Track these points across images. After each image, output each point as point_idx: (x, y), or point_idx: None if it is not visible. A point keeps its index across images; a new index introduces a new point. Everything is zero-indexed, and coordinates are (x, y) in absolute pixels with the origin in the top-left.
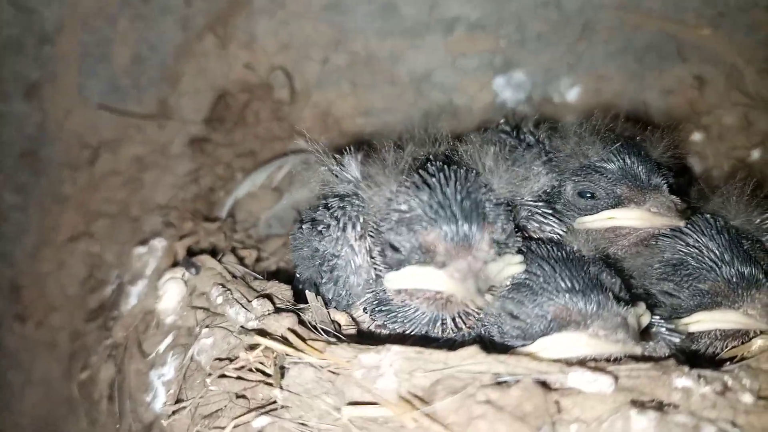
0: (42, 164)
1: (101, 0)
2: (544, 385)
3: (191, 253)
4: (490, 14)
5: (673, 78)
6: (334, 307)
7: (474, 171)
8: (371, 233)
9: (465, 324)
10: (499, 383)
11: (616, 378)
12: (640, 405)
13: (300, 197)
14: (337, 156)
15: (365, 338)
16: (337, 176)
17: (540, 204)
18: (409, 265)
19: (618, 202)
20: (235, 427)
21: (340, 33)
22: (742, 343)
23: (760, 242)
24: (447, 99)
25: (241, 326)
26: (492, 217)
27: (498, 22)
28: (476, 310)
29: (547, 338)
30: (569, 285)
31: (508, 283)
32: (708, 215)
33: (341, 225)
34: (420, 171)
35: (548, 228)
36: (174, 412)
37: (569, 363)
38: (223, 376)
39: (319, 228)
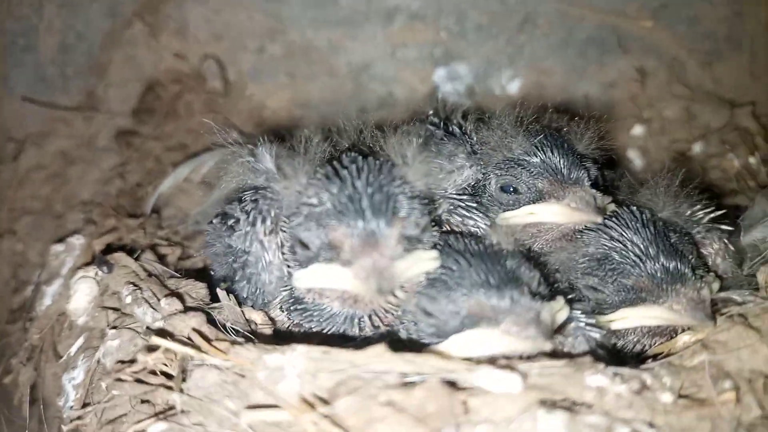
0: None
1: None
2: (453, 384)
3: (110, 250)
4: (430, 4)
5: (615, 71)
6: (251, 306)
7: (390, 163)
8: (283, 228)
9: (383, 322)
10: (405, 384)
11: (525, 376)
12: (550, 405)
13: (230, 192)
14: (251, 147)
15: (283, 338)
16: (250, 168)
17: (464, 197)
18: (317, 263)
19: (539, 197)
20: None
21: (276, 22)
22: (669, 339)
23: (689, 235)
24: (387, 91)
25: (147, 327)
26: (405, 211)
27: (438, 12)
28: (391, 308)
29: (458, 336)
30: (483, 279)
31: (423, 279)
32: (634, 208)
33: (251, 219)
34: (333, 162)
35: (471, 222)
36: (79, 417)
37: (479, 361)
38: (119, 380)
39: (230, 222)
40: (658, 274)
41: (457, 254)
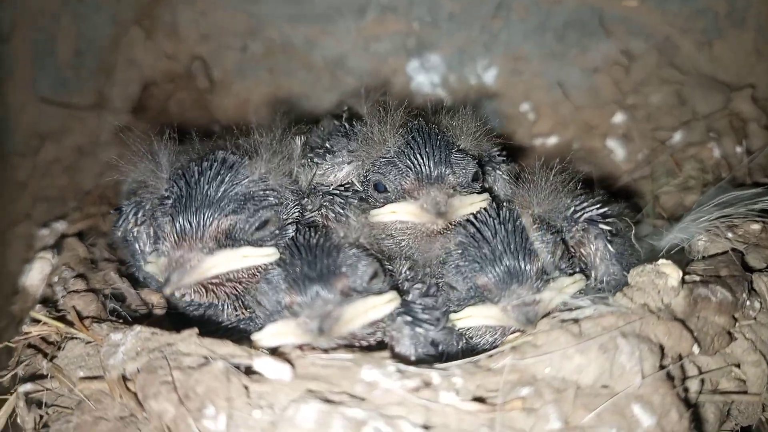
0: (2, 153)
1: (45, 1)
2: (247, 370)
3: (81, 234)
4: None
5: (597, 55)
6: (152, 287)
7: (240, 160)
8: (157, 216)
9: (244, 308)
10: (197, 366)
11: (294, 367)
12: (318, 395)
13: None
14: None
15: (177, 317)
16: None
17: (346, 193)
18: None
19: (403, 196)
20: (11, 393)
21: (256, 21)
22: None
23: (559, 233)
24: (361, 83)
25: (52, 301)
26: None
27: (410, 3)
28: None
29: (268, 327)
30: (301, 273)
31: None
32: (501, 205)
33: (128, 211)
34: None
35: (343, 217)
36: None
37: (265, 351)
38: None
39: (117, 215)
40: (500, 274)
41: (294, 247)
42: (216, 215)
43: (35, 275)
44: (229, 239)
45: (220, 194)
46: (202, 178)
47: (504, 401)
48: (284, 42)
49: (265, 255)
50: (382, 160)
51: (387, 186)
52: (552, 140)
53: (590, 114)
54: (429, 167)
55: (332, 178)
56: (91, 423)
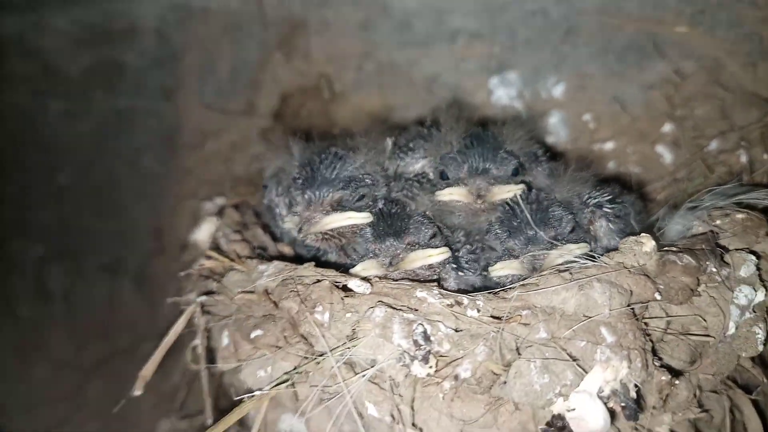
0: (175, 145)
1: (210, 29)
2: (344, 288)
3: (234, 207)
4: (486, 25)
5: (653, 73)
6: (285, 242)
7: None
8: (290, 191)
9: (346, 256)
10: (312, 283)
11: (372, 285)
12: (386, 304)
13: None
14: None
15: (299, 259)
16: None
17: (420, 181)
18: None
19: (458, 183)
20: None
21: (370, 46)
22: None
23: (573, 213)
24: (452, 96)
25: (219, 248)
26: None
27: (493, 31)
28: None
29: (360, 263)
30: (383, 230)
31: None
32: (529, 189)
33: (270, 186)
34: (320, 155)
35: (418, 197)
36: None
37: (361, 277)
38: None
39: (264, 190)
40: (522, 239)
41: (380, 214)
42: (330, 190)
43: (204, 233)
44: (339, 206)
45: (333, 176)
46: (321, 165)
47: (509, 317)
48: (391, 62)
49: (362, 218)
50: (447, 156)
51: (449, 175)
52: (609, 145)
53: (643, 124)
54: (478, 163)
55: (411, 169)
56: (244, 319)
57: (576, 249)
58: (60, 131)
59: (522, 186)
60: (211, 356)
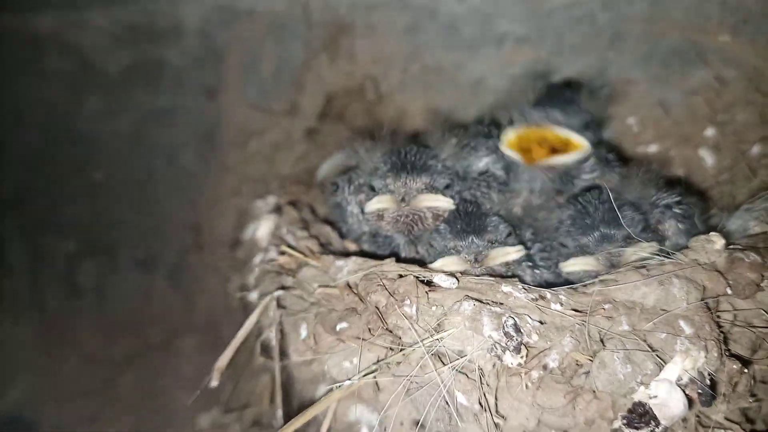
0: (216, 143)
1: (254, 29)
2: (427, 283)
3: (290, 204)
4: (533, 30)
5: (696, 80)
6: (350, 239)
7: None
8: (362, 189)
9: (416, 251)
10: (397, 278)
11: (458, 281)
12: (474, 298)
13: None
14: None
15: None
16: (353, 155)
17: (488, 179)
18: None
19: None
20: (263, 296)
21: (416, 48)
22: None
23: (644, 214)
24: (496, 99)
25: (288, 244)
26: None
27: (540, 36)
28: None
29: (440, 259)
30: (462, 228)
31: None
32: (599, 190)
33: (342, 185)
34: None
35: (486, 195)
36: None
37: (446, 272)
38: (265, 269)
39: (333, 187)
40: (596, 236)
41: (457, 212)
42: (422, 173)
43: (263, 231)
44: (430, 188)
45: (422, 163)
46: (408, 155)
47: (592, 310)
48: (436, 65)
49: (449, 202)
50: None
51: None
52: (652, 148)
53: (686, 128)
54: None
55: (475, 167)
56: (327, 312)
57: (647, 247)
58: (97, 128)
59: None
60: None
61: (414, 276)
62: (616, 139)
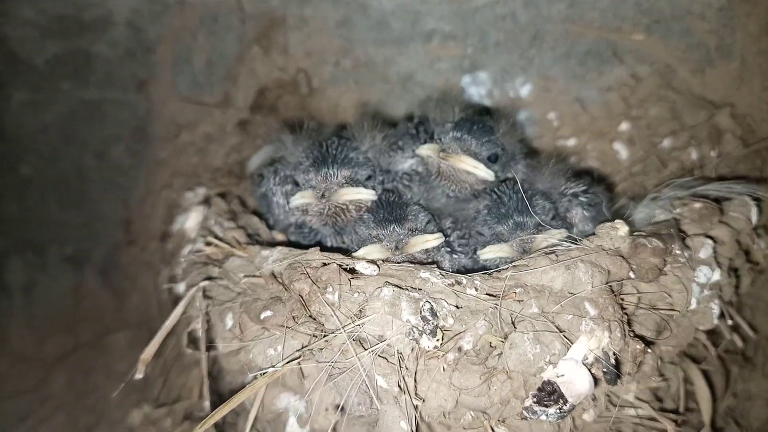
0: (147, 137)
1: (186, 20)
2: (350, 270)
3: (221, 196)
4: (459, 27)
5: (611, 77)
6: (278, 230)
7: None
8: (287, 180)
9: (342, 241)
10: (320, 266)
11: (378, 268)
12: (393, 284)
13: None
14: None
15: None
16: (280, 147)
17: (410, 176)
18: (300, 192)
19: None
20: (190, 287)
21: (348, 43)
22: None
23: (554, 203)
24: (426, 93)
25: (214, 235)
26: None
27: (465, 33)
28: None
29: (365, 247)
30: (384, 217)
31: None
32: (513, 181)
33: (267, 176)
34: (321, 142)
35: (407, 190)
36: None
37: (368, 260)
38: (194, 261)
39: (259, 179)
40: (510, 224)
41: (380, 201)
42: (343, 167)
43: (191, 222)
44: (351, 182)
45: (343, 156)
46: (330, 148)
47: (504, 295)
48: (368, 60)
49: (370, 194)
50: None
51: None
52: (571, 142)
53: (602, 123)
54: (462, 133)
55: (400, 167)
56: (252, 301)
57: (557, 234)
58: (23, 121)
59: (491, 174)
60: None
61: (337, 264)
62: (538, 132)
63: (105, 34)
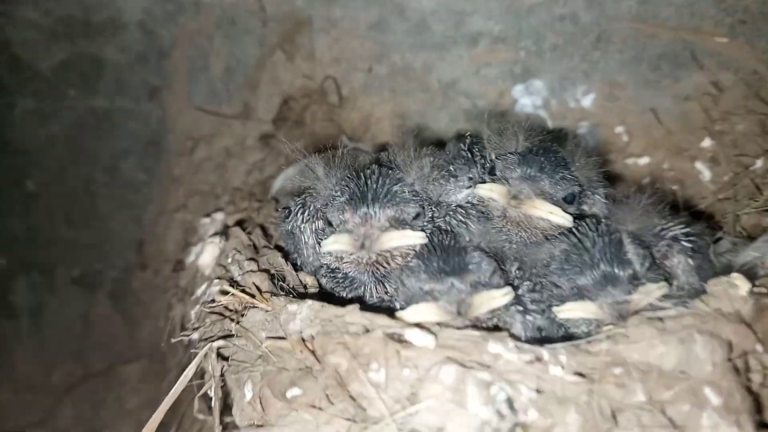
0: (161, 151)
1: (202, 23)
2: (396, 338)
3: (239, 224)
4: (510, 28)
5: (689, 85)
6: (307, 271)
7: (394, 170)
8: (319, 216)
9: (381, 291)
10: (362, 332)
11: (437, 338)
12: (456, 361)
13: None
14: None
15: (326, 297)
16: (308, 174)
17: (465, 208)
18: (334, 234)
19: (502, 182)
20: (203, 341)
21: (382, 47)
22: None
23: (648, 248)
24: (471, 104)
25: (232, 279)
26: (399, 201)
27: (518, 35)
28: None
29: (412, 307)
30: (438, 268)
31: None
32: (596, 220)
33: (296, 210)
34: (357, 170)
35: (463, 226)
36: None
37: (414, 324)
38: (207, 308)
39: (285, 213)
40: (598, 277)
41: (431, 246)
42: (387, 205)
43: (207, 256)
44: (396, 223)
45: (385, 191)
46: (369, 180)
47: (600, 376)
48: (405, 66)
49: (419, 237)
50: (508, 155)
51: (497, 171)
52: (643, 160)
53: (680, 138)
54: (533, 169)
55: (453, 198)
56: (276, 372)
57: (656, 290)
58: (29, 132)
59: (570, 220)
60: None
61: (381, 330)
62: (603, 149)
63: (115, 38)
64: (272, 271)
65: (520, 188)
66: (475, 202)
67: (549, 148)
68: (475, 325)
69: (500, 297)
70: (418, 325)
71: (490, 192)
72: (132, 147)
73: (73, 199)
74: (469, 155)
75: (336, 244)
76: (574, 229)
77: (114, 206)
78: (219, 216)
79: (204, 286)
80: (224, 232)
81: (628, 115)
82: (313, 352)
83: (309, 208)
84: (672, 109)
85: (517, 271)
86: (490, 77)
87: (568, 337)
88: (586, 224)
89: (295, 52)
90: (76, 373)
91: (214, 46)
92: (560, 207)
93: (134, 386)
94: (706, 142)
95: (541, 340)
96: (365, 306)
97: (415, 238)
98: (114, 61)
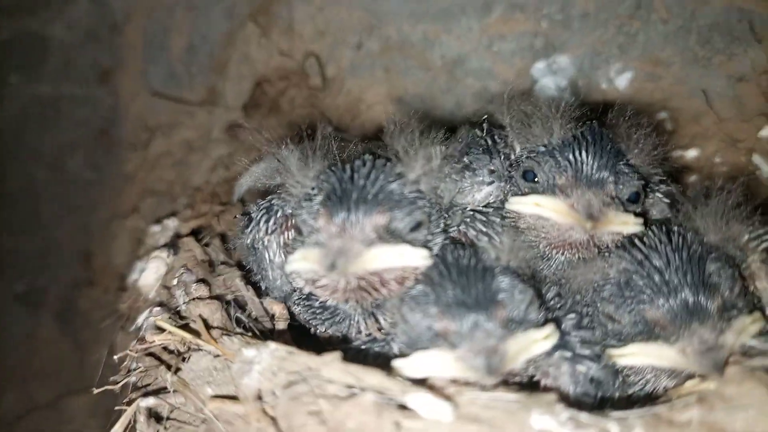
0: (112, 144)
1: None
2: (394, 405)
3: (195, 234)
4: None
5: (745, 62)
6: (275, 297)
7: (390, 162)
8: (291, 226)
9: (373, 327)
10: (344, 396)
11: (457, 406)
12: None
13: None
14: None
15: (299, 330)
16: (277, 169)
17: (488, 211)
18: (302, 248)
19: (553, 190)
20: (128, 402)
21: (374, 18)
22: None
23: (737, 265)
24: (481, 85)
25: (175, 309)
26: (395, 202)
27: (539, 1)
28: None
29: (416, 355)
30: (456, 298)
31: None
32: (672, 229)
33: (258, 218)
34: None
35: (485, 238)
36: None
37: (417, 384)
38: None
39: (245, 222)
40: (676, 309)
41: (444, 266)
42: (375, 209)
43: (150, 275)
44: (388, 234)
45: (377, 189)
46: (355, 175)
47: None
48: (402, 40)
49: (422, 257)
50: (543, 150)
51: (538, 176)
52: (691, 153)
53: (735, 126)
54: (591, 168)
55: (470, 198)
56: None
57: (750, 324)
58: None
59: (642, 223)
60: None
61: (373, 394)
62: None
63: (62, 13)
64: (228, 298)
65: (587, 201)
66: (497, 205)
67: (595, 130)
68: (506, 380)
69: (542, 340)
70: (427, 385)
71: (545, 210)
72: (79, 140)
73: (13, 201)
74: (490, 142)
75: (302, 261)
76: (636, 240)
77: (59, 210)
78: (171, 223)
79: (146, 314)
80: (173, 244)
81: (672, 98)
82: (274, 422)
83: (276, 214)
84: (725, 91)
85: (555, 298)
86: (505, 53)
87: (635, 400)
88: (654, 233)
89: (270, 25)
90: (21, 403)
91: (174, 19)
92: (628, 211)
93: (83, 422)
94: (765, 131)
95: (600, 400)
96: (351, 352)
97: (412, 259)
98: (60, 39)
